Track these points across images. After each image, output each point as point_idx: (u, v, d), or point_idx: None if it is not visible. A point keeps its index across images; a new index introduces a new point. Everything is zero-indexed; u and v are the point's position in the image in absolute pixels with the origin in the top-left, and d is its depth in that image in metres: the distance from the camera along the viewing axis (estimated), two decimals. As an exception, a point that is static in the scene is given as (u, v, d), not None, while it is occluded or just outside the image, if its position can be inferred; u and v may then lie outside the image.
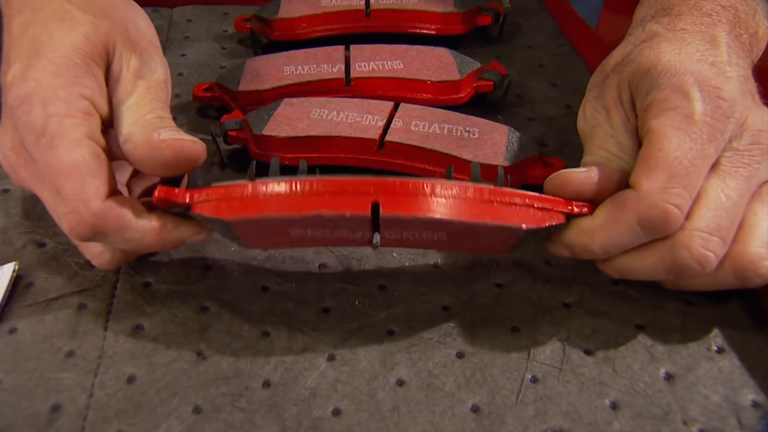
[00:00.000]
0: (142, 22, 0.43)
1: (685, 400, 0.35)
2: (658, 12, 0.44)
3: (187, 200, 0.36)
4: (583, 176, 0.38)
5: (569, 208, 0.37)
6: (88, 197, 0.35)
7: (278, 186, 0.35)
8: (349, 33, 0.60)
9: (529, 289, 0.41)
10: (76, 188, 0.35)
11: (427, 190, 0.35)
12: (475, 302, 0.40)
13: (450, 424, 0.34)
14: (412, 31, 0.60)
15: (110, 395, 0.35)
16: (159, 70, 0.41)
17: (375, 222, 0.35)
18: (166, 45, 0.63)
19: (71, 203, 0.35)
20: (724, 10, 0.42)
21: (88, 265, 0.42)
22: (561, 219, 0.37)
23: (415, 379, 0.36)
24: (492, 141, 0.46)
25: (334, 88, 0.53)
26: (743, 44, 0.41)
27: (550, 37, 0.66)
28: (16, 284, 0.41)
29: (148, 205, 0.38)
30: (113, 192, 0.36)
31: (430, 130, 0.46)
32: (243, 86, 0.53)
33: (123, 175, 0.42)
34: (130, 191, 0.42)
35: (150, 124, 0.38)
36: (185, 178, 0.38)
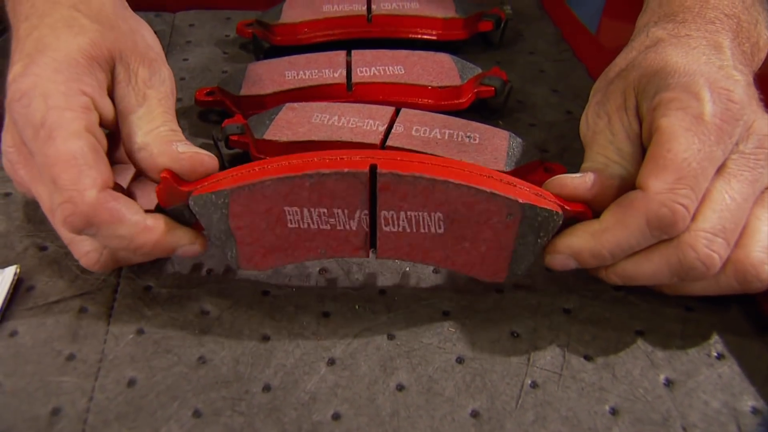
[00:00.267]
0: (148, 35, 0.44)
1: (684, 406, 0.35)
2: (662, 18, 0.44)
3: (189, 188, 0.38)
4: (578, 181, 0.38)
5: (564, 205, 0.37)
6: (84, 187, 0.35)
7: (279, 161, 0.37)
8: (350, 38, 0.61)
9: (529, 294, 0.41)
10: (73, 178, 0.35)
11: (426, 159, 0.37)
12: (476, 307, 0.40)
13: (450, 430, 0.34)
14: (413, 36, 0.61)
15: (110, 399, 0.35)
16: (167, 80, 0.42)
17: (373, 190, 0.36)
18: (168, 50, 0.63)
19: (67, 192, 0.35)
20: (727, 18, 0.42)
21: (89, 268, 0.42)
22: (557, 208, 0.37)
23: (415, 384, 0.36)
24: (493, 146, 0.46)
25: (336, 93, 0.53)
26: (745, 53, 0.41)
27: (551, 43, 0.66)
28: (17, 287, 0.41)
29: (145, 209, 0.38)
30: (109, 186, 0.36)
31: (431, 136, 0.47)
32: (244, 91, 0.53)
33: (122, 181, 0.42)
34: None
35: (165, 136, 0.39)
36: None
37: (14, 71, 0.38)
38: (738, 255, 0.36)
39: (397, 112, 0.49)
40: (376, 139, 0.46)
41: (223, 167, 0.49)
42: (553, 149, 0.53)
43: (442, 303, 0.41)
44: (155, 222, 0.38)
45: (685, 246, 0.35)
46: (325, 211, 0.37)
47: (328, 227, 0.37)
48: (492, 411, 0.35)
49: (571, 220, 0.38)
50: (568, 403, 0.36)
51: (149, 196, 0.40)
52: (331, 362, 0.37)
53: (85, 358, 0.37)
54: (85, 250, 0.39)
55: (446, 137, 0.46)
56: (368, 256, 0.38)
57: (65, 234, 0.39)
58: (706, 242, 0.35)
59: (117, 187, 0.38)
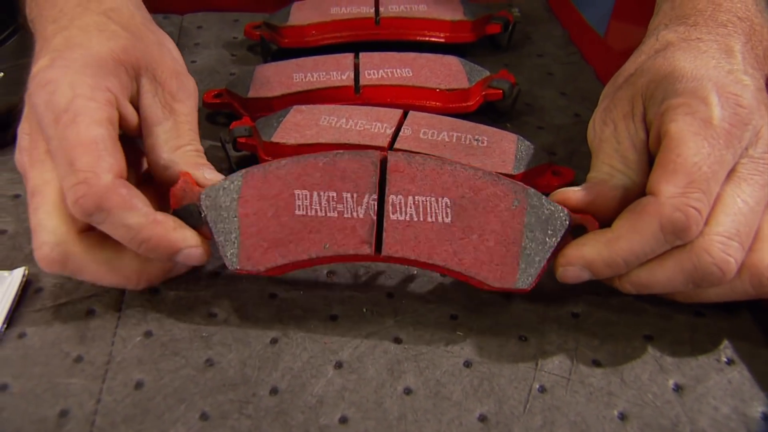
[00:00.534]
0: (173, 48, 0.45)
1: (694, 411, 0.35)
2: (673, 21, 0.43)
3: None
4: (579, 195, 0.39)
5: (569, 214, 0.38)
6: (101, 171, 0.35)
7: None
8: (358, 41, 0.60)
9: (537, 298, 0.41)
10: (91, 161, 0.35)
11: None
12: (483, 311, 0.40)
13: (457, 434, 0.34)
14: (421, 39, 0.61)
15: (118, 401, 0.35)
16: (193, 94, 0.43)
17: (383, 176, 0.37)
18: (176, 51, 0.63)
19: (83, 174, 0.35)
20: (740, 21, 0.42)
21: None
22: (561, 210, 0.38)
23: (422, 387, 0.36)
24: (501, 149, 0.46)
25: (343, 96, 0.53)
26: (758, 56, 0.41)
27: (560, 45, 0.66)
28: (26, 289, 0.41)
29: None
30: (123, 177, 0.37)
31: (439, 138, 0.47)
32: (252, 93, 0.53)
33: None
34: None
35: (192, 158, 0.40)
36: None
37: (40, 64, 0.38)
38: (752, 259, 0.36)
39: (404, 115, 0.49)
40: (384, 142, 0.46)
41: (230, 169, 0.50)
42: (561, 152, 0.52)
43: (450, 307, 0.41)
44: (164, 217, 0.38)
45: (700, 251, 0.35)
46: (335, 195, 0.37)
47: (335, 214, 0.38)
48: (500, 415, 0.35)
49: (577, 228, 0.38)
50: (576, 407, 0.35)
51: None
52: (339, 365, 0.37)
53: (93, 360, 0.37)
54: (42, 240, 0.37)
55: (454, 140, 0.46)
56: (372, 253, 0.38)
57: (33, 219, 0.37)
58: (721, 246, 0.35)
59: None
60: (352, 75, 0.53)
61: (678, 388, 0.36)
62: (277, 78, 0.54)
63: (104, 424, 0.34)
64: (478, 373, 0.37)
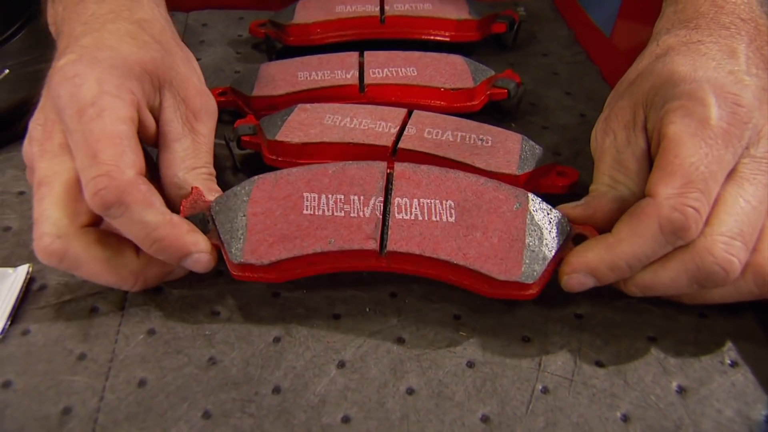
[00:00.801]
0: (198, 68, 0.46)
1: (697, 414, 0.35)
2: (676, 25, 0.44)
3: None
4: (578, 210, 0.40)
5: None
6: (124, 165, 0.36)
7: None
8: (363, 39, 0.60)
9: (541, 299, 0.41)
10: (114, 155, 0.36)
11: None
12: (486, 311, 0.40)
13: (459, 434, 0.34)
14: (426, 37, 0.60)
15: (121, 399, 0.35)
16: (214, 116, 0.44)
17: (389, 182, 0.39)
18: (181, 49, 0.63)
19: (106, 167, 0.35)
20: (743, 23, 0.41)
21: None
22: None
23: (425, 387, 0.36)
24: (505, 149, 0.46)
25: (348, 95, 0.53)
26: (764, 56, 0.41)
27: (565, 45, 0.65)
28: (30, 286, 0.41)
29: None
30: (143, 174, 0.37)
31: (444, 138, 0.46)
32: (257, 91, 0.53)
33: None
34: None
35: (206, 183, 0.41)
36: None
37: (68, 58, 0.38)
38: (757, 259, 0.36)
39: (409, 114, 0.49)
40: (388, 141, 0.46)
41: (234, 168, 0.50)
42: (566, 152, 0.52)
43: (453, 306, 0.40)
44: (179, 219, 0.38)
45: (702, 251, 0.35)
46: (342, 197, 0.38)
47: (342, 214, 0.38)
48: (502, 416, 0.35)
49: (578, 237, 0.39)
50: (579, 409, 0.35)
51: None
52: (341, 365, 0.37)
53: (96, 357, 0.37)
54: (43, 231, 0.36)
55: (458, 140, 0.46)
56: (377, 248, 0.38)
57: (37, 209, 0.37)
58: (724, 246, 0.35)
59: None
60: (356, 74, 0.53)
61: (681, 390, 0.36)
62: (281, 76, 0.54)
63: (107, 421, 0.34)
64: (481, 374, 0.37)
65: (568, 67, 0.62)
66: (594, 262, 0.37)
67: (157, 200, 0.37)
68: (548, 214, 0.39)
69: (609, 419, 0.35)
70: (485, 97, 0.53)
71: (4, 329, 0.38)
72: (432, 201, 0.38)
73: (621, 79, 0.45)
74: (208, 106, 0.44)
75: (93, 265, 0.37)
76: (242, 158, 0.51)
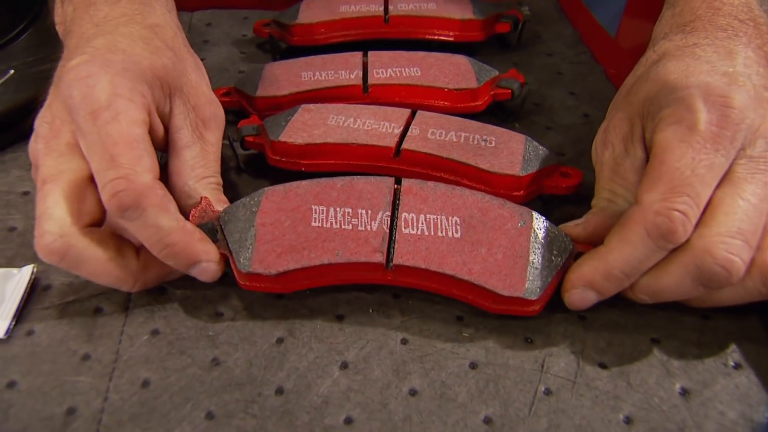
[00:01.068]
0: (205, 74, 0.46)
1: (700, 416, 0.35)
2: (673, 29, 0.44)
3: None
4: (578, 230, 0.41)
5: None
6: (142, 170, 0.36)
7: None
8: (367, 39, 0.60)
9: (544, 300, 0.41)
10: (132, 159, 0.36)
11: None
12: (489, 312, 0.40)
13: (462, 436, 0.34)
14: (430, 37, 0.60)
15: (125, 399, 0.36)
16: (222, 126, 0.45)
17: (396, 197, 0.40)
18: (185, 49, 0.63)
19: (124, 170, 0.35)
20: (741, 23, 0.41)
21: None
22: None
23: (427, 389, 0.36)
24: (509, 150, 0.46)
25: (352, 95, 0.53)
26: (766, 54, 0.41)
27: (569, 45, 0.65)
28: (34, 287, 0.41)
29: None
30: (158, 178, 0.37)
31: (447, 138, 0.46)
32: (261, 92, 0.53)
33: None
34: None
35: (214, 194, 0.42)
36: None
37: (80, 59, 0.38)
38: (763, 258, 0.36)
39: (413, 115, 0.49)
40: (392, 142, 0.46)
41: (238, 168, 0.50)
42: (570, 153, 0.52)
43: (456, 308, 0.40)
44: (192, 227, 0.38)
45: (701, 253, 0.35)
46: (350, 210, 0.39)
47: (350, 227, 0.39)
48: (505, 418, 0.35)
49: (579, 257, 0.39)
50: (581, 411, 0.35)
51: None
52: (344, 366, 0.37)
53: (100, 358, 0.38)
54: (45, 229, 0.36)
55: (462, 140, 0.46)
56: (383, 261, 0.38)
57: (40, 206, 0.37)
58: (723, 246, 0.34)
59: None
60: (360, 74, 0.53)
61: (684, 392, 0.36)
62: (285, 77, 0.54)
63: (111, 422, 0.35)
64: (484, 375, 0.37)
65: (573, 66, 0.62)
66: (589, 274, 0.37)
67: (172, 206, 0.37)
68: (551, 232, 0.39)
69: (612, 421, 0.35)
70: (489, 97, 0.53)
71: (8, 329, 0.38)
72: (438, 217, 0.39)
73: (621, 87, 0.45)
74: (216, 115, 0.44)
75: (94, 265, 0.37)
76: (246, 159, 0.51)
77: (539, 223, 0.39)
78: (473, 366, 0.37)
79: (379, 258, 0.38)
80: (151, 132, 0.40)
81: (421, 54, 0.55)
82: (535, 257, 0.38)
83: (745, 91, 0.37)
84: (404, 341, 0.39)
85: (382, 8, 0.60)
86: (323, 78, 0.53)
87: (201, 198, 0.41)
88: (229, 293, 0.41)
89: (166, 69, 0.41)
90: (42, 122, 0.39)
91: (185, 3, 0.69)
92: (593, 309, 0.40)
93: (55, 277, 0.42)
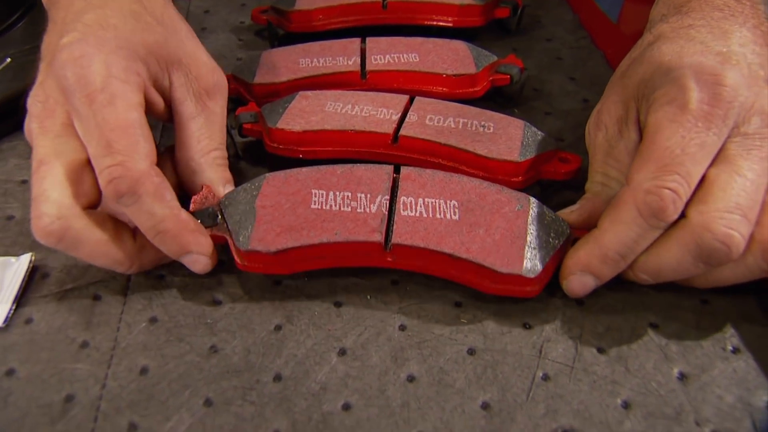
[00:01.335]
0: (200, 43, 0.46)
1: (698, 400, 0.35)
2: (670, 10, 0.43)
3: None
4: (574, 217, 0.41)
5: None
6: (139, 156, 0.36)
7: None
8: (365, 25, 0.60)
9: (543, 285, 0.41)
10: (129, 145, 0.36)
11: None
12: (487, 298, 0.40)
13: (460, 421, 0.34)
14: (428, 23, 0.60)
15: (123, 386, 0.36)
16: (225, 93, 0.44)
17: (395, 183, 0.40)
18: (183, 36, 0.63)
19: (120, 156, 0.35)
20: (737, 3, 0.41)
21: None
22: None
23: (425, 375, 0.36)
24: (507, 136, 0.45)
25: (350, 81, 0.52)
26: (764, 33, 0.41)
27: (569, 29, 0.65)
28: (33, 275, 0.41)
29: None
30: (155, 164, 0.37)
31: (445, 125, 0.46)
32: (258, 78, 0.53)
33: None
34: None
35: (219, 172, 0.42)
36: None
37: (71, 37, 0.38)
38: (763, 234, 0.36)
39: (411, 101, 0.49)
40: (390, 129, 0.46)
41: (236, 155, 0.50)
42: (569, 138, 0.52)
43: (455, 294, 0.40)
44: (188, 216, 0.39)
45: (699, 229, 0.35)
46: (349, 194, 0.39)
47: (349, 209, 0.39)
48: (503, 403, 0.35)
49: (576, 242, 0.39)
50: (579, 396, 0.35)
51: None
52: (342, 352, 0.37)
53: (99, 345, 0.38)
54: (43, 210, 0.36)
55: (460, 126, 0.46)
56: (382, 240, 0.38)
57: (37, 187, 0.37)
58: (721, 221, 0.34)
59: None
60: (358, 60, 0.53)
61: (682, 377, 0.36)
62: (283, 63, 0.54)
63: (109, 409, 0.35)
64: (482, 361, 0.37)
65: (572, 51, 0.62)
66: (585, 258, 0.38)
67: (168, 193, 0.37)
68: (548, 216, 0.39)
69: (610, 406, 0.35)
70: (488, 83, 0.53)
71: (7, 318, 0.39)
72: (437, 200, 0.39)
73: (616, 69, 0.45)
74: (219, 83, 0.44)
75: (91, 246, 0.37)
76: (244, 146, 0.51)
77: (536, 208, 0.39)
78: (471, 352, 0.37)
79: (378, 237, 0.38)
80: (151, 108, 0.40)
81: (419, 40, 0.54)
82: (533, 238, 0.38)
83: (738, 70, 0.37)
84: (402, 327, 0.39)
85: (380, -6, 0.60)
86: (321, 64, 0.53)
87: (202, 186, 0.41)
88: (227, 281, 0.41)
89: (158, 44, 0.40)
90: (35, 101, 0.39)
91: (183, -10, 0.69)
92: (591, 294, 0.40)
93: (54, 266, 0.42)
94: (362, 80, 0.52)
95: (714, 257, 0.35)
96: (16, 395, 0.35)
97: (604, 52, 0.61)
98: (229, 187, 0.42)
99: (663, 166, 0.35)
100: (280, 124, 0.47)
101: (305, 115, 0.47)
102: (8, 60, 0.52)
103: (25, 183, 0.47)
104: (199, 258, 0.39)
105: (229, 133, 0.49)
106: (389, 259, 0.39)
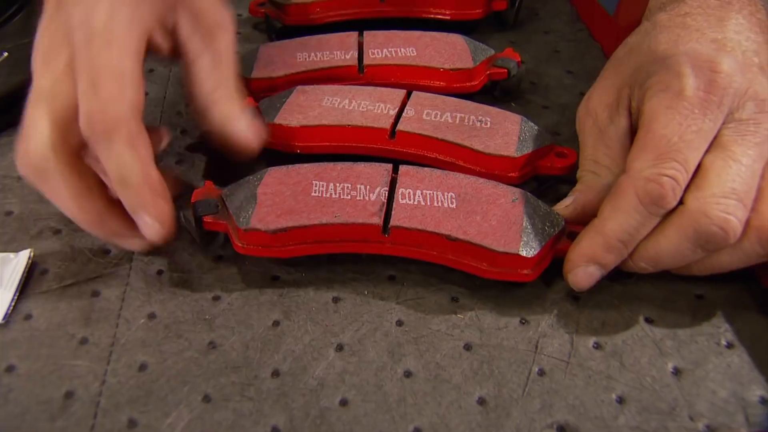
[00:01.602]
0: None
1: (692, 395, 0.35)
2: (669, 0, 0.43)
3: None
4: (568, 212, 0.41)
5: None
6: (121, 103, 0.36)
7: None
8: (363, 18, 0.60)
9: (538, 281, 0.41)
10: (115, 90, 0.36)
11: None
12: (484, 294, 0.40)
13: (456, 417, 0.35)
14: (426, 16, 0.60)
15: (122, 383, 0.36)
16: (231, 28, 0.44)
17: (394, 179, 0.41)
18: (180, 29, 0.63)
19: (103, 102, 0.36)
20: None
21: (102, 252, 0.42)
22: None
23: (422, 370, 0.37)
24: (504, 131, 0.45)
25: (347, 75, 0.52)
26: (760, 21, 0.41)
27: (567, 22, 0.65)
28: (32, 271, 0.41)
29: None
30: (139, 111, 0.37)
31: (442, 119, 0.46)
32: (256, 73, 0.52)
33: None
34: None
35: (228, 103, 0.42)
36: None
37: None
38: (759, 219, 0.36)
39: (408, 95, 0.49)
40: (387, 123, 0.46)
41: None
42: (566, 132, 0.52)
43: (451, 289, 0.41)
44: (157, 175, 0.38)
45: (696, 215, 0.35)
46: (350, 185, 0.40)
47: (349, 197, 0.40)
48: (498, 398, 0.35)
49: (573, 235, 0.40)
50: (574, 391, 0.36)
51: None
52: (340, 348, 0.38)
53: (98, 341, 0.38)
54: (31, 146, 0.37)
55: (457, 121, 0.46)
56: (381, 223, 0.39)
57: (30, 118, 0.37)
58: (718, 206, 0.35)
59: None
60: (355, 54, 0.53)
61: (677, 372, 0.36)
62: (280, 58, 0.53)
63: (109, 405, 0.35)
64: (478, 356, 0.37)
65: (570, 44, 0.62)
66: (589, 248, 0.38)
67: (143, 147, 0.37)
68: (543, 208, 0.40)
69: (604, 401, 0.35)
70: (485, 77, 0.53)
71: (6, 314, 0.39)
72: (434, 192, 0.40)
73: (612, 55, 0.45)
74: (223, 19, 0.43)
75: (66, 192, 0.37)
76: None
77: (531, 201, 0.40)
78: (468, 347, 0.38)
79: (377, 220, 0.39)
80: (158, 49, 0.40)
81: (416, 33, 0.54)
82: (528, 225, 0.38)
83: (733, 57, 0.37)
84: (399, 323, 0.39)
85: (378, -13, 0.60)
86: (318, 59, 0.53)
87: (204, 182, 0.42)
88: (226, 277, 0.41)
89: None
90: (44, 34, 0.39)
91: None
92: (587, 289, 0.40)
93: (53, 262, 0.42)
94: (360, 74, 0.52)
95: (712, 242, 0.35)
96: (16, 392, 0.35)
97: (601, 45, 0.61)
98: (244, 126, 0.42)
99: (661, 153, 0.36)
100: (278, 120, 0.47)
101: (303, 109, 0.47)
102: (5, 54, 0.52)
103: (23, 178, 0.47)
104: (147, 220, 0.38)
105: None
106: (387, 243, 0.39)
